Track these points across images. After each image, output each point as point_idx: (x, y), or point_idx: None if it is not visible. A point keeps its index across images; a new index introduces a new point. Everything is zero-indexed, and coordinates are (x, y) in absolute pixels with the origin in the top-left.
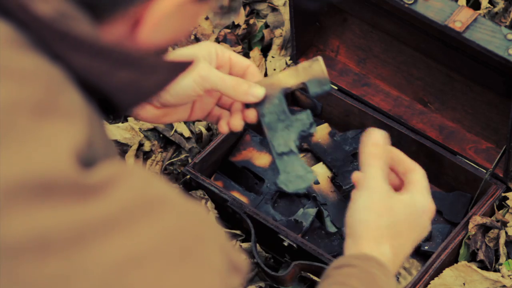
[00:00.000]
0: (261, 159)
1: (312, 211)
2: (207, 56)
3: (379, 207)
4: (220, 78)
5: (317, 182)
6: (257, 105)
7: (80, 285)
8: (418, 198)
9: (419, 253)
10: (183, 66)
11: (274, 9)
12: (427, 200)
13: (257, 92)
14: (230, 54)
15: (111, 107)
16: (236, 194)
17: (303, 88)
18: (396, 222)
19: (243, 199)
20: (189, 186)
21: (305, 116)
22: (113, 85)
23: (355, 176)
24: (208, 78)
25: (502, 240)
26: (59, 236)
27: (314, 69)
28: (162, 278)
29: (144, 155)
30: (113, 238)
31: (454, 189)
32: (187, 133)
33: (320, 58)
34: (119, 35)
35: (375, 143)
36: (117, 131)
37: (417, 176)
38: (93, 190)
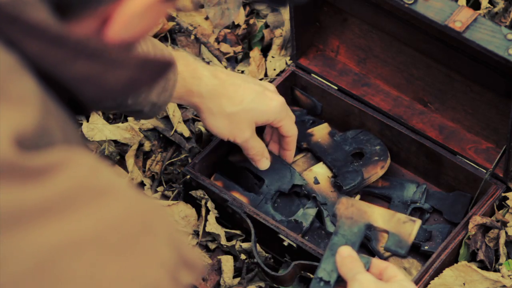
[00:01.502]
0: None
1: (312, 211)
2: (264, 119)
3: None
4: (247, 146)
5: (317, 182)
6: (337, 220)
7: (12, 268)
8: (407, 284)
9: (419, 253)
10: (158, 66)
11: (274, 9)
12: (414, 286)
13: (262, 166)
14: (283, 124)
15: (77, 103)
16: (236, 194)
17: (386, 234)
18: None
19: (243, 199)
20: (189, 186)
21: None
22: (72, 76)
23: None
24: (239, 143)
25: (502, 240)
26: None
27: (405, 227)
28: (100, 266)
29: (144, 155)
30: (50, 223)
31: (454, 189)
32: (187, 133)
33: (419, 222)
34: (86, 32)
35: (348, 255)
36: (117, 131)
37: (393, 270)
38: (35, 174)
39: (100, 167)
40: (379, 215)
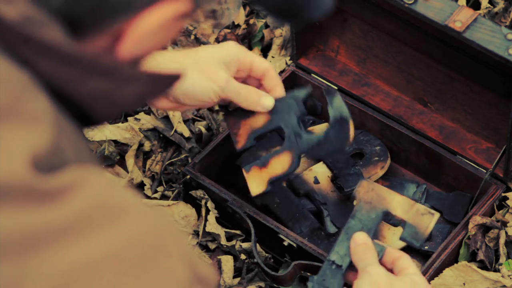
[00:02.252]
0: (259, 119)
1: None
2: (229, 59)
3: (382, 285)
4: (235, 90)
5: (317, 182)
6: (356, 202)
7: None
8: (417, 278)
9: (419, 253)
10: (167, 79)
11: None
12: (425, 280)
13: (266, 104)
14: (251, 59)
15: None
16: (276, 160)
17: (402, 225)
18: None
19: (284, 157)
20: (189, 186)
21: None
22: (84, 93)
23: (352, 276)
24: (225, 89)
25: (502, 240)
26: (10, 241)
27: (423, 219)
28: (118, 287)
29: (144, 155)
30: (67, 245)
31: (454, 189)
32: (187, 133)
33: (437, 215)
34: (98, 48)
35: (363, 243)
36: (117, 131)
37: (406, 261)
38: (50, 195)
39: (114, 186)
40: (398, 203)
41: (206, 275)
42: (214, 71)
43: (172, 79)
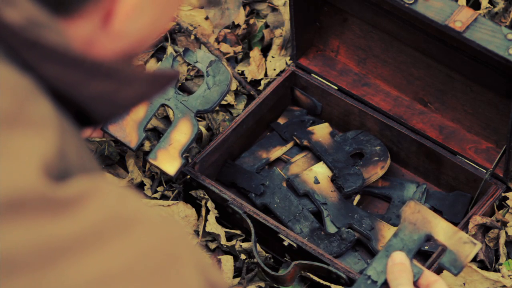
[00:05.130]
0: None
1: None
2: None
3: None
4: None
5: (317, 182)
6: (400, 222)
7: None
8: None
9: (419, 253)
10: (166, 79)
11: (274, 9)
12: None
13: None
14: None
15: (87, 119)
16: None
17: (442, 250)
18: None
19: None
20: (189, 186)
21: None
22: (87, 95)
23: None
24: None
25: (502, 240)
26: (26, 256)
27: (465, 247)
28: None
29: (144, 155)
30: (83, 258)
31: (454, 189)
32: None
33: (479, 246)
34: (90, 29)
35: (400, 262)
36: None
37: (441, 286)
38: (64, 205)
39: (126, 195)
40: (442, 229)
41: (217, 280)
42: None
43: (170, 78)
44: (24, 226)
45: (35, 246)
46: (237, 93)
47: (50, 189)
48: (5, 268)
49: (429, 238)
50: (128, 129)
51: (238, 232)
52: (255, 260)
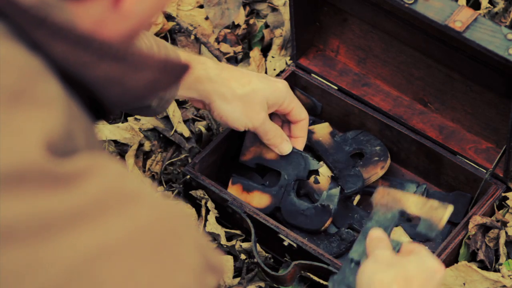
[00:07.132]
0: (271, 153)
1: (336, 191)
2: (274, 100)
3: (387, 262)
4: (265, 130)
5: (317, 182)
6: (373, 206)
7: (45, 276)
8: (427, 259)
9: None
10: (177, 69)
11: (274, 9)
12: (437, 261)
13: (285, 149)
14: (294, 105)
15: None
16: (257, 194)
17: (417, 219)
18: (406, 278)
19: (265, 197)
20: (189, 186)
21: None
22: (95, 78)
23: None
24: (257, 127)
25: (502, 240)
26: (25, 226)
27: (437, 212)
28: (132, 272)
29: (144, 155)
30: (82, 230)
31: (454, 189)
32: (187, 133)
33: (451, 208)
34: (101, 10)
35: (376, 236)
36: (117, 131)
37: (419, 247)
38: (65, 180)
39: (126, 172)
40: (412, 203)
41: (217, 262)
42: (256, 111)
43: (181, 69)
44: (24, 197)
45: (34, 218)
46: None
47: (52, 164)
48: (4, 237)
49: (402, 214)
50: (253, 149)
51: (238, 232)
52: (255, 260)
